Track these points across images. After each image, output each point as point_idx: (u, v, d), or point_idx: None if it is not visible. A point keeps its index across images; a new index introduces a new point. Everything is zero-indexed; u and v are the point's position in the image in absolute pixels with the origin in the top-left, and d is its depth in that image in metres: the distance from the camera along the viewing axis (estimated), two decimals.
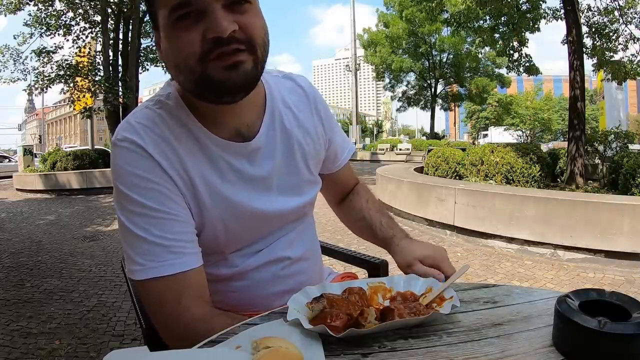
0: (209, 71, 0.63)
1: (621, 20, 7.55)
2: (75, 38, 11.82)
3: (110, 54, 11.41)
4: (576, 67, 5.81)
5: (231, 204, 0.73)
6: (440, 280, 0.73)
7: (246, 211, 0.75)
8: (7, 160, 18.77)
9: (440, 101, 30.39)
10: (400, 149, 20.05)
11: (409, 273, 0.78)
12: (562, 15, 6.51)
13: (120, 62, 11.59)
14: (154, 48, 13.00)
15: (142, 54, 12.45)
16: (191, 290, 0.69)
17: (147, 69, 12.97)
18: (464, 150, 6.37)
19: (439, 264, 0.79)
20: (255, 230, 0.78)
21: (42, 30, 11.56)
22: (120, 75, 11.33)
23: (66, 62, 11.41)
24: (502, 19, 7.50)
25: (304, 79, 0.88)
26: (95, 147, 13.61)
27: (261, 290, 0.79)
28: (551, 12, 7.44)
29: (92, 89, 11.14)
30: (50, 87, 11.34)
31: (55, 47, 11.52)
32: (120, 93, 10.89)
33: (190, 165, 0.71)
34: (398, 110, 34.04)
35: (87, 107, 11.80)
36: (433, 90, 28.58)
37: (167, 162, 0.69)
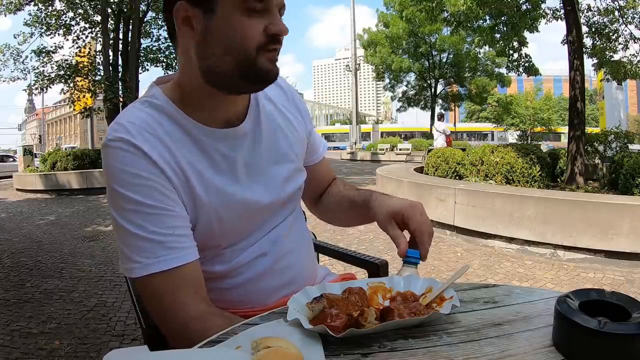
0: (259, 60, 0.69)
1: (621, 21, 7.55)
2: (75, 38, 11.82)
3: (110, 54, 11.40)
4: (576, 67, 5.80)
5: (224, 195, 0.75)
6: (405, 246, 0.75)
7: (239, 201, 0.76)
8: (12, 160, 18.75)
9: (440, 101, 30.34)
10: (400, 149, 20.06)
11: (386, 232, 0.80)
12: (562, 15, 6.51)
13: (120, 62, 11.58)
14: (154, 48, 13.03)
15: (142, 54, 12.45)
16: (188, 286, 0.70)
17: (147, 69, 12.99)
18: (464, 150, 6.37)
19: (407, 219, 0.78)
20: (248, 221, 0.79)
21: (42, 30, 11.56)
22: (120, 75, 11.33)
23: (66, 62, 11.41)
24: (502, 18, 7.49)
25: (280, 78, 0.92)
26: (95, 147, 13.60)
27: (255, 286, 0.80)
28: (551, 12, 7.43)
29: (92, 89, 11.14)
30: (50, 87, 11.36)
31: (55, 47, 11.52)
32: (120, 93, 10.88)
33: (183, 158, 0.72)
34: (398, 110, 34.00)
35: (87, 107, 11.81)
36: (433, 90, 28.52)
37: (159, 157, 0.70)
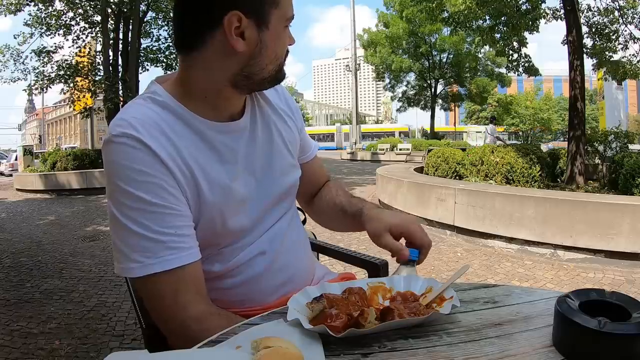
0: (282, 66, 0.78)
1: (621, 21, 7.55)
2: (75, 38, 11.83)
3: (110, 54, 11.41)
4: (576, 67, 5.80)
5: (225, 188, 0.75)
6: (408, 255, 0.76)
7: (238, 194, 0.77)
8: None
9: (440, 101, 30.33)
10: (400, 149, 20.07)
11: (380, 244, 0.80)
12: (562, 15, 6.51)
13: (120, 62, 11.58)
14: (154, 48, 13.04)
15: (142, 54, 12.46)
16: (189, 286, 0.70)
17: (147, 69, 13.00)
18: (464, 150, 6.38)
19: (410, 235, 0.79)
20: (247, 216, 0.79)
21: (42, 30, 11.58)
22: (120, 75, 11.33)
23: (66, 62, 11.42)
24: (502, 19, 7.50)
25: None
26: (96, 147, 13.61)
27: (255, 285, 0.80)
28: (551, 12, 7.44)
29: (92, 89, 11.15)
30: (50, 87, 11.38)
31: (55, 47, 11.53)
32: (120, 93, 10.89)
33: (187, 153, 0.72)
34: (398, 110, 33.94)
35: (87, 107, 11.82)
36: (433, 90, 28.50)
37: (165, 153, 0.69)
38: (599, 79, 11.22)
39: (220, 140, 0.76)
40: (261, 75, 0.75)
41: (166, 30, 13.20)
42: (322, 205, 1.02)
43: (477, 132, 32.80)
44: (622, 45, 7.75)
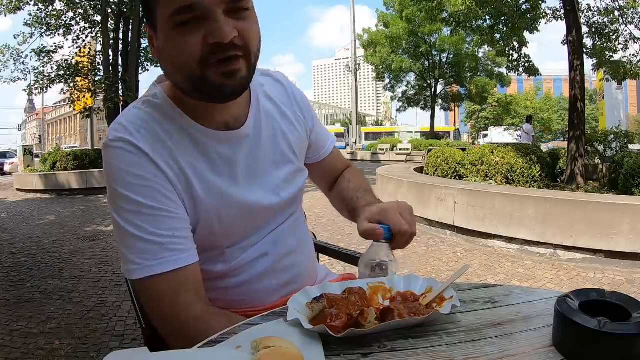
0: (207, 74, 0.65)
1: (621, 21, 7.55)
2: (75, 38, 11.81)
3: (110, 54, 11.39)
4: (576, 67, 5.80)
5: (223, 195, 0.75)
6: (382, 236, 0.72)
7: (239, 202, 0.76)
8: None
9: (440, 101, 30.32)
10: (400, 149, 20.08)
11: (361, 235, 0.76)
12: (562, 15, 6.51)
13: (120, 62, 11.57)
14: None
15: (142, 54, 12.44)
16: (188, 287, 0.69)
17: (147, 69, 12.97)
18: (464, 150, 6.37)
19: (386, 215, 0.75)
20: (249, 221, 0.79)
21: (42, 30, 11.55)
22: (120, 75, 11.32)
23: (66, 62, 11.40)
24: (502, 18, 7.50)
25: (280, 74, 0.92)
26: (96, 147, 13.61)
27: (257, 285, 0.80)
28: (551, 12, 7.44)
29: (92, 89, 11.14)
30: (50, 87, 11.35)
31: (55, 47, 11.51)
32: (120, 93, 10.88)
33: (183, 159, 0.72)
34: (398, 110, 33.93)
35: (87, 107, 11.81)
36: (433, 90, 28.49)
37: (160, 158, 0.70)
38: (600, 80, 11.25)
39: (214, 149, 0.75)
40: (179, 85, 0.70)
41: None
42: (333, 198, 1.02)
43: (407, 132, 33.29)
44: (622, 45, 7.76)
